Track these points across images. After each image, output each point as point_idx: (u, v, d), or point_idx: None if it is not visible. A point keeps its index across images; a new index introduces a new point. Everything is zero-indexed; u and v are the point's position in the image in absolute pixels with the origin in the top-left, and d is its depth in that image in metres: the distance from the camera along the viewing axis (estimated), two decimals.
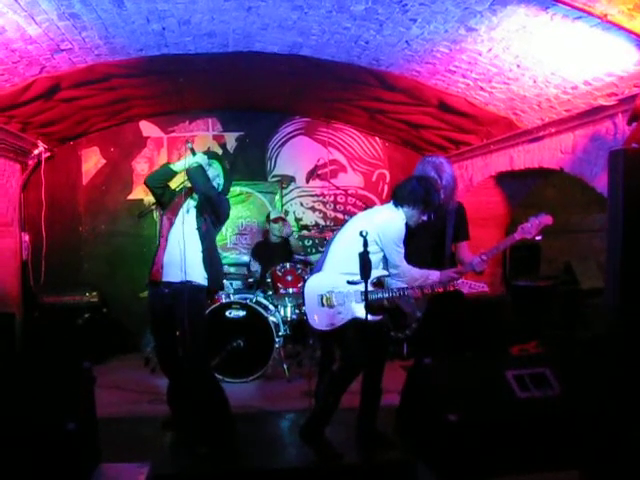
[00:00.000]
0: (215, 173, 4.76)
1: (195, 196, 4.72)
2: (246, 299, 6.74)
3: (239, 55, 5.87)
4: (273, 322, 6.56)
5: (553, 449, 3.48)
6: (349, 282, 4.24)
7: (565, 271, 8.59)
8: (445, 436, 3.50)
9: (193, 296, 4.57)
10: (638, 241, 3.84)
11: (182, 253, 4.56)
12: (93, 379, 3.78)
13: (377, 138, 8.76)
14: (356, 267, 4.05)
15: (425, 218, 4.43)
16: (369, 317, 4.09)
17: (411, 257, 4.39)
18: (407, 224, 4.40)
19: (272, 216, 7.67)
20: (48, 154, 7.71)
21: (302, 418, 5.21)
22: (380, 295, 4.40)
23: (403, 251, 4.38)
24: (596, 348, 5.18)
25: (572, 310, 7.81)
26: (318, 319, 4.41)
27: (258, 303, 6.72)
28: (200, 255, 4.63)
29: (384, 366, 4.65)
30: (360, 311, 4.27)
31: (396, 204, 4.45)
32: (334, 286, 4.36)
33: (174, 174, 4.76)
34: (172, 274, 4.60)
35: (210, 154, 4.87)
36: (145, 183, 4.85)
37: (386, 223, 4.38)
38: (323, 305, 4.39)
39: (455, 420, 3.42)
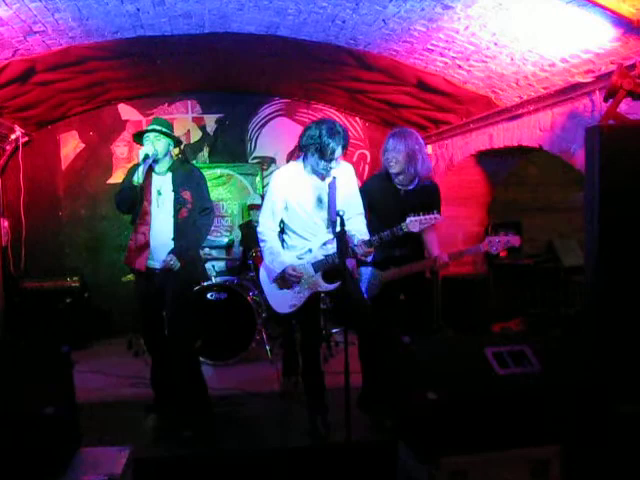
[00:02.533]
0: (165, 143, 4.63)
1: (159, 170, 4.67)
2: (227, 281, 6.72)
3: (216, 36, 5.81)
4: (255, 304, 6.55)
5: (533, 425, 3.49)
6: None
7: (547, 249, 8.64)
8: (425, 414, 3.51)
9: (181, 278, 4.60)
10: (614, 217, 3.85)
11: (166, 238, 4.58)
12: (72, 363, 3.76)
13: (357, 118, 8.75)
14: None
15: (333, 165, 4.24)
16: (331, 286, 4.21)
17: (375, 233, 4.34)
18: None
19: (248, 202, 7.79)
20: (26, 139, 7.65)
21: (284, 399, 5.26)
22: (331, 256, 4.28)
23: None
24: (576, 325, 5.22)
25: (554, 288, 7.86)
26: (280, 303, 4.41)
27: (240, 285, 6.70)
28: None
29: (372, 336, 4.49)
30: (319, 283, 4.32)
31: (303, 156, 4.37)
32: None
33: (135, 188, 4.51)
34: (159, 259, 4.60)
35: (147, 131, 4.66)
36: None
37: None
38: (281, 288, 4.37)
39: (435, 398, 3.43)
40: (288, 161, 8.50)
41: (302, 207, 4.33)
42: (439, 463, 3.31)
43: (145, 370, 5.23)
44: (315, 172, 4.32)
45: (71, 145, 8.26)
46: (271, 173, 8.56)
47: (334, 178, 4.33)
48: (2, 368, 3.44)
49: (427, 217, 4.28)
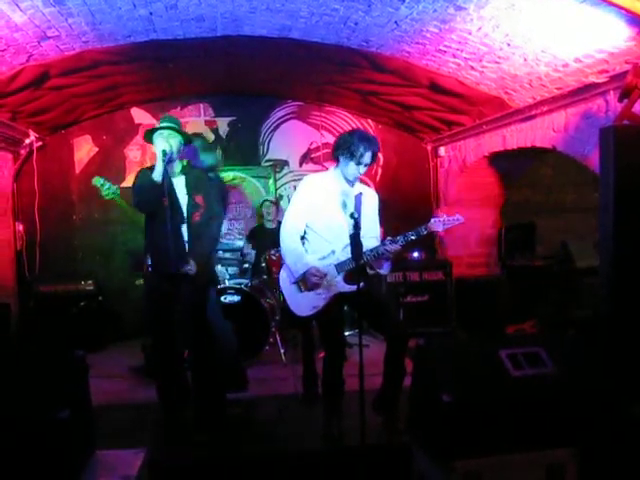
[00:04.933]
0: (178, 141, 4.59)
1: (171, 171, 4.59)
2: (241, 284, 6.72)
3: (228, 39, 5.83)
4: (268, 307, 6.55)
5: (549, 427, 3.48)
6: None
7: (561, 250, 8.59)
8: (439, 416, 3.50)
9: (196, 283, 4.59)
10: (630, 218, 3.83)
11: (179, 241, 4.53)
12: (87, 367, 3.77)
13: (370, 120, 8.74)
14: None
15: (362, 171, 4.38)
16: (353, 288, 4.11)
17: None
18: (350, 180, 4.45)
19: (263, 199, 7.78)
20: (40, 143, 7.68)
21: (298, 402, 5.25)
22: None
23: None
24: (591, 327, 5.19)
25: (568, 289, 7.82)
26: (300, 306, 4.42)
27: (253, 288, 6.70)
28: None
29: (405, 341, 4.46)
30: (340, 284, 4.33)
31: (336, 162, 4.51)
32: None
33: (159, 186, 4.40)
34: (175, 263, 4.53)
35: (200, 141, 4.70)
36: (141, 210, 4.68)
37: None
38: (302, 290, 4.39)
39: (449, 400, 3.41)
40: (301, 164, 8.54)
41: (328, 208, 4.40)
42: (453, 466, 3.30)
43: None
44: (345, 177, 4.44)
45: (85, 149, 8.29)
46: (284, 176, 8.62)
47: (361, 193, 4.49)
48: (17, 372, 3.46)
49: (450, 218, 4.37)
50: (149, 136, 4.65)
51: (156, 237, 4.58)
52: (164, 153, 4.38)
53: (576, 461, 3.40)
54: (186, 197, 4.61)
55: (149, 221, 4.66)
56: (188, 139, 4.75)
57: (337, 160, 4.46)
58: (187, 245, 4.58)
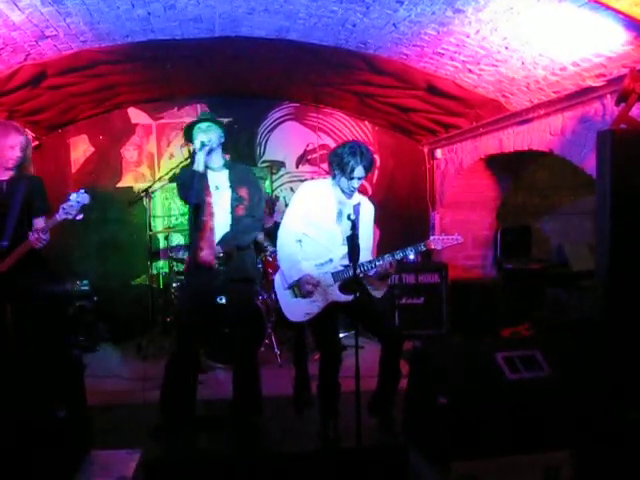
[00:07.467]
0: (218, 134, 4.62)
1: (213, 165, 4.63)
2: None
3: (226, 40, 5.81)
4: (264, 308, 6.54)
5: (545, 430, 3.48)
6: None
7: (557, 253, 8.61)
8: (436, 419, 3.51)
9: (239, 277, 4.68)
10: (626, 222, 3.84)
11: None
12: (83, 367, 3.78)
13: (367, 122, 8.74)
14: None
15: (355, 185, 4.38)
16: (348, 297, 4.13)
17: None
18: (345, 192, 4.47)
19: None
20: (36, 143, 7.65)
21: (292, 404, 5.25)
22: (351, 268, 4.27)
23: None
24: (587, 330, 5.20)
25: (564, 293, 7.83)
26: (294, 311, 4.43)
27: None
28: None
29: (399, 344, 4.50)
30: (336, 293, 4.34)
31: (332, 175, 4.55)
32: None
33: (201, 175, 4.47)
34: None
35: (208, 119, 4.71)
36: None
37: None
38: (296, 296, 4.39)
39: (445, 403, 3.42)
40: (297, 165, 8.54)
41: (324, 216, 4.43)
42: (450, 468, 3.31)
43: (154, 373, 5.23)
44: (340, 189, 4.46)
45: (81, 149, 8.27)
46: (281, 177, 8.61)
47: (359, 203, 4.54)
48: (14, 372, 3.46)
49: (450, 237, 4.44)
50: (189, 133, 4.69)
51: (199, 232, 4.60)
52: (202, 144, 4.43)
53: (573, 464, 3.40)
54: (229, 190, 4.61)
55: (194, 217, 4.65)
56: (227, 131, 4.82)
57: (333, 173, 4.49)
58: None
